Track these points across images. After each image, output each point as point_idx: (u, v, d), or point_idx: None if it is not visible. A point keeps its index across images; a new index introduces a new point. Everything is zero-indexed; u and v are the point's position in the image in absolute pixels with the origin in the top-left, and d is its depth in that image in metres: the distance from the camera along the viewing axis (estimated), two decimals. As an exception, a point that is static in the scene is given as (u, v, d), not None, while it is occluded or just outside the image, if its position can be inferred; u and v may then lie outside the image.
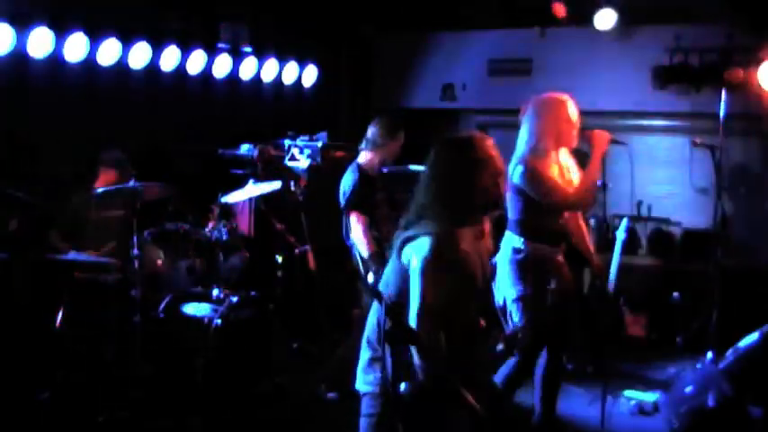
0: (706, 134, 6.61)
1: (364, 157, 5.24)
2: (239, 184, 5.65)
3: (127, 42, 5.89)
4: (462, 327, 3.07)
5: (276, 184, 5.74)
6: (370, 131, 5.22)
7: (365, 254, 4.99)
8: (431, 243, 2.92)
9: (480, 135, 3.15)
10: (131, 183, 5.01)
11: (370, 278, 4.41)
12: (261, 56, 7.14)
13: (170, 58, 6.26)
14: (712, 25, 6.77)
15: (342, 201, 5.13)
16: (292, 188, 5.93)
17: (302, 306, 6.03)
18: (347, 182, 5.14)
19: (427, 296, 2.90)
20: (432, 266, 2.91)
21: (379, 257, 4.82)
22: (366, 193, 5.09)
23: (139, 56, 5.98)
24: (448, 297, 2.94)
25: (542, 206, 4.28)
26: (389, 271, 3.11)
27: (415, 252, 2.94)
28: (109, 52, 5.76)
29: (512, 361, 4.44)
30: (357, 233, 5.03)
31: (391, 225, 4.93)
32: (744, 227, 7.06)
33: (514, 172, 4.28)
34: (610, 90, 7.44)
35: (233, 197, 5.54)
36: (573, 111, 4.33)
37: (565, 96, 4.37)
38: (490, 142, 3.07)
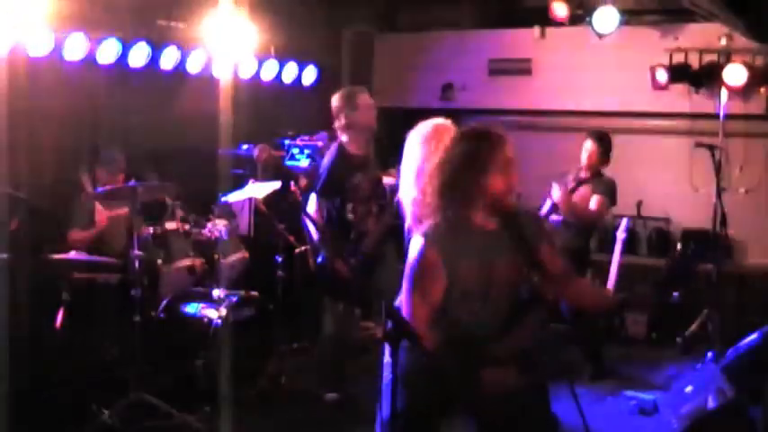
0: (706, 134, 6.62)
1: (345, 137, 5.12)
2: (239, 184, 5.65)
3: (127, 42, 5.88)
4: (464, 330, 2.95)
5: (276, 184, 5.74)
6: (334, 112, 5.10)
7: (314, 237, 4.98)
8: (419, 245, 2.89)
9: (501, 133, 2.96)
10: (131, 183, 5.01)
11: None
12: (261, 56, 7.13)
13: (170, 58, 6.25)
14: (712, 25, 6.77)
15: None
16: (292, 188, 5.92)
17: (302, 306, 6.03)
18: (323, 163, 5.12)
19: (415, 296, 2.88)
20: (415, 270, 2.89)
21: (335, 243, 4.82)
22: (340, 176, 4.99)
23: (139, 56, 5.98)
24: (440, 297, 2.88)
25: None
26: None
27: (410, 251, 2.92)
28: (109, 52, 5.75)
29: None
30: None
31: (371, 208, 4.95)
32: (744, 227, 7.05)
33: None
34: (610, 90, 7.44)
35: (233, 197, 5.54)
36: None
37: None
38: (509, 143, 2.92)
